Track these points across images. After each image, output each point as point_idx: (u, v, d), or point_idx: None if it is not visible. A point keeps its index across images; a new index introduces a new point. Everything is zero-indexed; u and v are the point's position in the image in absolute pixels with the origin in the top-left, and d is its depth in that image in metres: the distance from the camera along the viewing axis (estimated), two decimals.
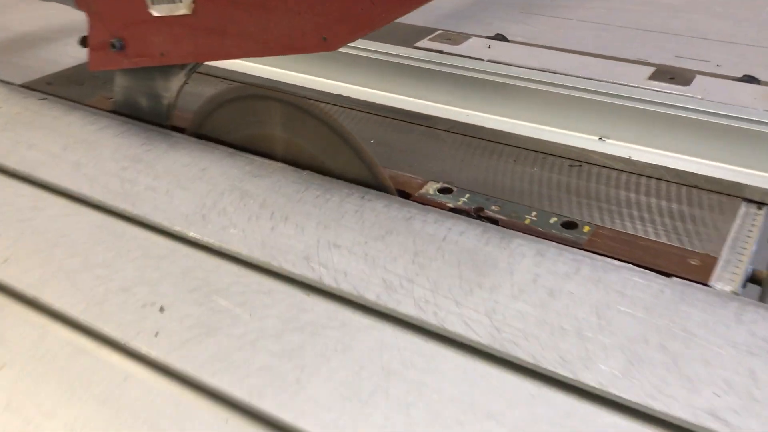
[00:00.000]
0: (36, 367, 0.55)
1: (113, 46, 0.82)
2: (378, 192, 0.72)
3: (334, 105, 0.92)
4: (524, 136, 0.82)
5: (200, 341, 0.55)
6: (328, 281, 0.60)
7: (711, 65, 1.03)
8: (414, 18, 1.16)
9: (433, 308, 0.57)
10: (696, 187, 0.74)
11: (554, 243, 0.64)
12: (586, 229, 0.68)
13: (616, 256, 0.63)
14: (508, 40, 1.06)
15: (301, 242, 0.65)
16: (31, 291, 0.61)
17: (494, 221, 0.69)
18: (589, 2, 1.34)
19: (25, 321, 0.59)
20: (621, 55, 1.03)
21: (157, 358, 0.54)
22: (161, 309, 0.58)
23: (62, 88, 1.00)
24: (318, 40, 0.68)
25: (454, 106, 0.89)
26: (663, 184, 0.75)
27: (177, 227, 0.68)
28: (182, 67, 0.82)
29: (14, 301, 0.62)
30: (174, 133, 0.85)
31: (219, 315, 0.58)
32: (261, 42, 0.72)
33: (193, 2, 0.74)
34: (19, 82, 1.01)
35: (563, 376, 0.51)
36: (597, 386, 0.50)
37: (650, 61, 1.03)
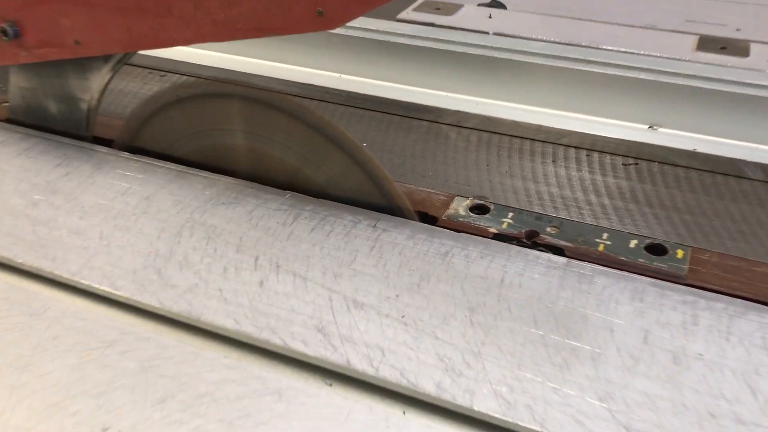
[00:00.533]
0: None
1: (4, 33, 0.60)
2: (393, 216, 0.54)
3: (305, 98, 0.72)
4: (556, 129, 0.66)
5: None
6: (360, 365, 0.42)
7: (730, 29, 0.89)
8: None
9: (523, 398, 0.40)
10: None
11: (648, 278, 0.48)
12: (680, 253, 0.51)
13: (735, 293, 0.47)
14: (505, 8, 0.88)
15: (306, 303, 0.46)
16: None
17: (558, 250, 0.52)
18: None
19: None
20: (615, 20, 0.88)
21: None
22: None
23: None
24: (311, 14, 0.48)
25: (459, 93, 0.71)
26: (746, 183, 0.59)
27: (121, 292, 0.48)
28: (106, 59, 0.61)
29: None
30: (99, 148, 0.63)
31: None
32: (224, 22, 0.51)
33: None
34: None
35: None
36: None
37: (659, 27, 0.88)
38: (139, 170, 0.60)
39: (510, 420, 0.39)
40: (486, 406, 0.39)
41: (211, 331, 0.45)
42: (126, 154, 0.62)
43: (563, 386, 0.40)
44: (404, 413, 0.40)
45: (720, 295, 0.47)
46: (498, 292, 0.47)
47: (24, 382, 0.42)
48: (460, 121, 0.68)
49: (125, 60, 0.61)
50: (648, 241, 0.52)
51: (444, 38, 0.74)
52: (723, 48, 0.74)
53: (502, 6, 0.89)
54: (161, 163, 0.61)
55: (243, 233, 0.53)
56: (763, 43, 0.77)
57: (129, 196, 0.57)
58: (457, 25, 0.78)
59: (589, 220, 0.57)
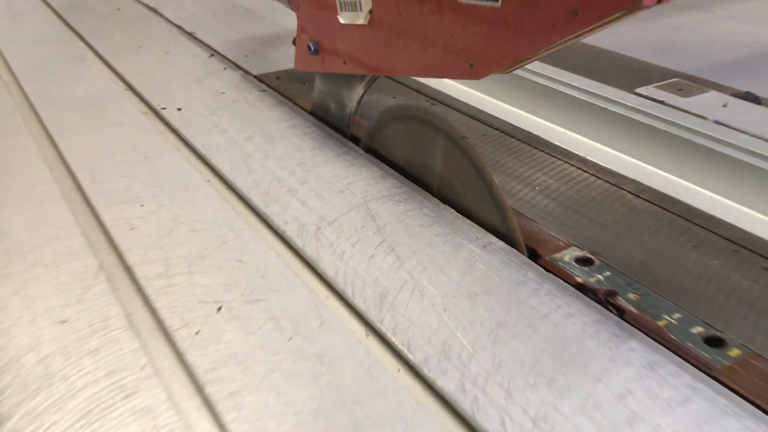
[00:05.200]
0: None
1: (309, 48, 0.84)
2: (504, 245, 0.63)
3: (522, 141, 0.83)
4: (726, 222, 0.66)
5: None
6: (387, 327, 0.54)
7: None
8: (687, 64, 1.02)
9: (477, 393, 0.48)
10: None
11: (680, 359, 0.50)
12: (735, 352, 0.51)
13: (753, 399, 0.47)
14: (759, 102, 0.86)
15: (390, 278, 0.60)
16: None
17: (621, 312, 0.56)
18: None
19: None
20: None
21: None
22: (219, 309, 0.58)
23: (286, 84, 1.06)
24: (466, 66, 0.62)
25: (657, 168, 0.75)
26: None
27: (292, 237, 0.67)
28: (362, 78, 0.81)
29: None
30: (348, 143, 0.84)
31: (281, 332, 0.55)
32: (420, 62, 0.67)
33: (369, 13, 0.72)
34: (255, 72, 1.09)
35: None
36: None
37: None
38: (359, 165, 0.79)
39: (458, 402, 0.48)
40: (447, 386, 0.49)
41: (318, 273, 0.62)
42: (362, 152, 0.82)
43: (515, 397, 0.47)
44: (396, 372, 0.52)
45: (737, 396, 0.47)
46: (533, 322, 0.54)
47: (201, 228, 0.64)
48: (641, 191, 0.72)
49: (373, 81, 0.80)
50: (713, 332, 0.53)
51: (662, 116, 0.77)
52: None
53: (757, 100, 0.85)
54: (378, 163, 0.79)
55: (389, 222, 0.68)
56: None
57: (339, 180, 0.76)
58: (684, 107, 0.80)
59: (678, 302, 0.58)
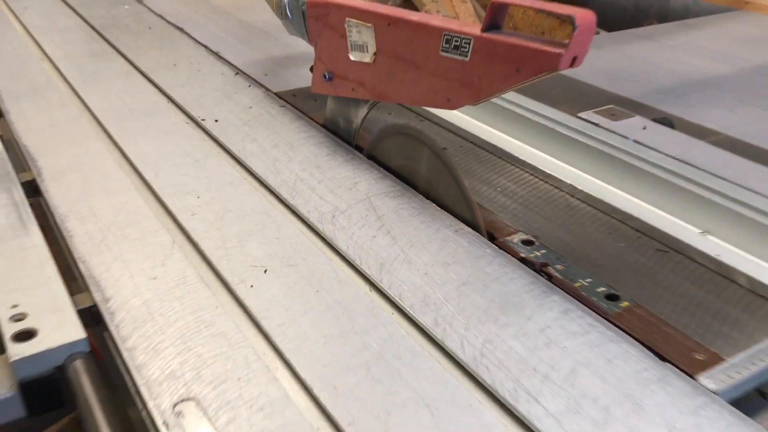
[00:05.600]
0: None
1: (324, 76, 1.07)
2: (471, 230, 0.87)
3: (486, 150, 1.08)
4: (628, 214, 0.90)
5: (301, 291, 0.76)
6: (385, 285, 0.77)
7: None
8: (628, 89, 1.26)
9: (446, 326, 0.71)
10: (760, 296, 0.76)
11: (585, 307, 0.74)
12: (625, 304, 0.75)
13: (631, 333, 0.70)
14: (673, 126, 1.10)
15: (388, 252, 0.83)
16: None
17: (549, 277, 0.80)
18: None
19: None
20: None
21: None
22: (265, 271, 0.80)
23: (301, 101, 1.28)
24: (444, 100, 0.85)
25: (588, 174, 0.98)
26: (724, 282, 0.78)
27: (314, 222, 0.90)
28: (366, 102, 1.05)
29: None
30: (354, 151, 1.07)
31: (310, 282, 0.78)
32: (412, 94, 0.91)
33: (374, 55, 0.95)
34: (275, 90, 1.32)
35: (508, 402, 0.62)
36: (526, 415, 0.60)
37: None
38: (364, 168, 1.02)
39: (433, 331, 0.71)
40: (426, 321, 0.72)
41: (334, 247, 0.85)
42: (365, 159, 1.05)
43: (471, 329, 0.71)
44: (391, 314, 0.75)
45: (619, 330, 0.70)
46: (488, 282, 0.78)
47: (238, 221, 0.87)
48: (571, 191, 0.95)
49: (374, 105, 1.04)
50: (612, 291, 0.77)
51: (596, 136, 1.01)
52: None
53: (671, 125, 1.09)
54: (377, 168, 1.02)
55: (386, 212, 0.91)
56: None
57: (347, 180, 0.99)
58: (612, 128, 1.04)
59: (592, 271, 0.82)
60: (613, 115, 1.12)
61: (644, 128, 1.08)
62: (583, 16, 0.67)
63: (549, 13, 1.09)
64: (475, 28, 0.78)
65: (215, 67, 1.43)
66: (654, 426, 0.60)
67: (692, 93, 1.31)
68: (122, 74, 1.40)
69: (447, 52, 0.82)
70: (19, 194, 0.96)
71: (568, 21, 0.68)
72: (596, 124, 1.06)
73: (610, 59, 1.49)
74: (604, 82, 1.32)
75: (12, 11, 1.81)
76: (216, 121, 1.18)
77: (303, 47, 1.57)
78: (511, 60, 0.73)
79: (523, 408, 0.61)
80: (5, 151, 1.10)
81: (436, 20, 0.84)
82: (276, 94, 1.30)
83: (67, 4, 1.90)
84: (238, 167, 1.05)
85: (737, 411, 0.62)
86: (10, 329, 0.71)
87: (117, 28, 1.68)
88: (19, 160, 1.09)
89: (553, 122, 1.05)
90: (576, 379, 0.64)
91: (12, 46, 1.55)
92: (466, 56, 0.79)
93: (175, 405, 0.62)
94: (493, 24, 0.76)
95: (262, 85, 1.34)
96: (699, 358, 0.68)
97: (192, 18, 1.82)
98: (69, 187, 0.98)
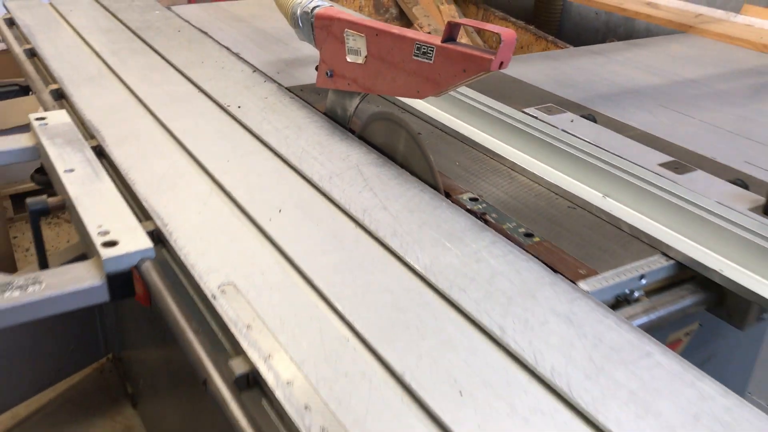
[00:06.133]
0: None
1: (327, 74, 1.37)
2: (433, 190, 1.16)
3: (451, 136, 1.38)
4: (552, 183, 1.20)
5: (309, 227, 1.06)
6: (368, 223, 1.07)
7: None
8: (571, 93, 1.56)
9: (407, 248, 1.01)
10: (638, 239, 1.06)
11: (507, 240, 1.03)
12: (536, 239, 1.05)
13: (538, 256, 1.00)
14: (595, 121, 1.40)
15: (370, 202, 1.12)
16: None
17: (486, 222, 1.10)
18: (731, 108, 1.60)
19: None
20: (696, 149, 1.33)
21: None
22: (279, 211, 1.10)
23: (307, 94, 1.58)
24: (415, 92, 1.15)
25: (526, 154, 1.29)
26: (611, 229, 1.08)
27: (316, 181, 1.20)
28: (358, 94, 1.35)
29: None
30: (348, 133, 1.37)
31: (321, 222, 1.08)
32: (392, 87, 1.21)
33: (365, 58, 1.25)
34: (286, 85, 1.62)
35: (445, 292, 0.92)
36: (456, 299, 0.90)
37: (718, 161, 1.31)
38: (356, 146, 1.32)
39: (394, 248, 1.00)
40: (391, 244, 1.01)
41: (331, 200, 1.14)
42: (356, 138, 1.35)
43: (426, 249, 1.00)
44: (368, 240, 1.04)
45: (528, 254, 1.00)
46: (440, 223, 1.07)
47: (257, 184, 1.17)
48: (513, 166, 1.26)
49: (365, 97, 1.34)
50: (529, 231, 1.07)
51: (534, 125, 1.31)
52: (676, 168, 1.17)
53: (593, 119, 1.40)
54: (365, 146, 1.31)
55: (371, 177, 1.21)
56: (708, 173, 1.16)
57: (342, 153, 1.29)
58: (547, 121, 1.34)
59: (518, 220, 1.12)
60: (549, 111, 1.42)
61: (572, 121, 1.38)
62: (507, 33, 0.98)
63: (485, 31, 1.39)
64: (437, 40, 1.08)
65: (236, 65, 1.73)
66: (540, 308, 0.89)
67: (623, 98, 1.61)
68: (160, 68, 1.70)
69: (417, 56, 1.12)
70: (90, 154, 1.26)
71: (497, 37, 0.98)
72: (535, 117, 1.36)
73: (562, 69, 1.80)
74: (553, 87, 1.63)
75: (60, 14, 2.12)
76: (239, 107, 1.48)
77: (308, 51, 1.88)
78: (460, 63, 1.04)
79: (455, 295, 0.91)
80: (74, 124, 1.39)
81: (410, 33, 1.14)
82: (287, 88, 1.60)
83: (106, 9, 2.20)
84: (256, 141, 1.34)
85: (601, 303, 0.91)
86: (99, 240, 1.00)
87: (151, 30, 1.98)
88: (85, 130, 1.39)
89: (503, 115, 1.36)
90: (493, 281, 0.94)
91: (66, 44, 1.85)
92: (431, 60, 1.09)
93: (219, 286, 0.92)
94: (449, 37, 1.07)
95: (275, 81, 1.64)
96: (581, 272, 0.98)
97: (214, 24, 2.13)
98: (128, 150, 1.28)
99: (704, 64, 1.93)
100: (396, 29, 1.18)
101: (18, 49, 1.84)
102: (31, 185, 2.66)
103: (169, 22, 2.09)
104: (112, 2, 2.27)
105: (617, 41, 2.37)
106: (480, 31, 2.58)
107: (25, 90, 3.08)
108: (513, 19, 2.94)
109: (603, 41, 2.80)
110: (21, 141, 1.37)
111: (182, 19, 2.13)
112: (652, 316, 0.96)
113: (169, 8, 2.24)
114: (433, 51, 1.08)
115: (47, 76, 1.68)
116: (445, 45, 1.06)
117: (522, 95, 1.56)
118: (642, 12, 2.31)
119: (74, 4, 2.22)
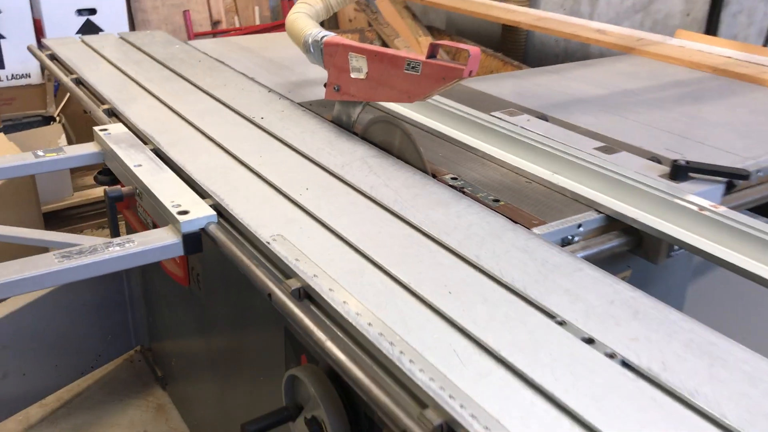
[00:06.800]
0: None
1: (335, 88, 1.72)
2: (423, 173, 1.51)
3: (434, 134, 1.74)
4: (513, 165, 1.55)
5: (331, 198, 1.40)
6: (375, 196, 1.41)
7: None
8: (530, 103, 1.93)
9: (405, 211, 1.35)
10: (577, 201, 1.41)
11: (480, 203, 1.38)
12: (502, 203, 1.40)
13: (503, 213, 1.35)
14: (546, 120, 1.76)
15: (375, 182, 1.47)
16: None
17: (464, 193, 1.44)
18: (659, 111, 1.97)
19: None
20: (626, 141, 1.69)
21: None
22: (306, 189, 1.44)
23: (316, 107, 1.93)
24: (406, 97, 1.51)
25: (491, 146, 1.64)
26: (558, 196, 1.44)
27: (331, 168, 1.54)
28: (360, 103, 1.70)
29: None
30: (353, 135, 1.72)
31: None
32: (389, 95, 1.56)
33: (366, 74, 1.61)
34: (297, 101, 1.97)
35: (433, 236, 1.26)
36: (444, 240, 1.24)
37: (644, 148, 1.67)
38: (360, 144, 1.66)
39: (396, 210, 1.34)
40: (395, 208, 1.36)
41: (346, 182, 1.48)
42: (359, 138, 1.69)
43: (422, 211, 1.34)
44: (379, 210, 1.39)
45: (495, 212, 1.35)
46: (429, 196, 1.42)
47: (289, 173, 1.51)
48: (482, 155, 1.62)
49: (366, 105, 1.69)
50: (496, 198, 1.42)
51: (496, 123, 1.67)
52: (606, 151, 1.53)
53: (545, 119, 1.76)
54: (367, 144, 1.66)
55: (374, 164, 1.55)
56: (632, 153, 1.52)
57: (348, 149, 1.63)
58: (509, 120, 1.71)
59: (487, 191, 1.47)
60: (511, 114, 1.78)
61: (528, 120, 1.74)
62: (474, 50, 1.34)
63: (458, 53, 1.76)
64: (422, 57, 1.44)
65: (254, 87, 2.08)
66: (503, 244, 1.23)
67: (572, 105, 1.98)
68: (190, 90, 2.05)
69: (408, 70, 1.47)
70: (151, 154, 1.60)
71: (467, 53, 1.34)
72: (500, 118, 1.73)
73: (523, 85, 2.18)
74: (514, 98, 2.00)
75: (94, 49, 2.46)
76: (261, 118, 1.82)
77: (311, 75, 2.24)
78: (440, 73, 1.40)
79: (443, 238, 1.25)
80: (131, 132, 1.73)
81: (402, 53, 1.50)
82: (299, 103, 1.95)
83: (132, 44, 2.55)
84: (279, 143, 1.69)
85: (549, 240, 1.26)
86: (174, 210, 1.34)
87: (175, 61, 2.33)
88: (141, 138, 1.72)
89: (475, 117, 1.72)
90: (469, 228, 1.28)
91: (107, 72, 2.19)
92: (419, 72, 1.45)
93: (270, 236, 1.25)
94: (431, 55, 1.43)
95: (288, 98, 1.99)
96: (535, 222, 1.32)
97: (229, 55, 2.48)
98: (180, 150, 1.61)
99: (642, 78, 2.31)
100: (390, 51, 1.54)
101: (66, 79, 2.17)
102: (58, 205, 3.00)
103: (189, 54, 2.44)
104: (136, 39, 2.62)
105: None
106: (454, 55, 2.97)
107: (47, 120, 3.42)
108: (484, 48, 3.33)
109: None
110: (89, 148, 1.71)
111: (200, 51, 2.48)
112: (588, 252, 1.31)
113: (186, 42, 2.59)
114: (420, 65, 1.44)
115: (96, 99, 2.01)
116: (428, 60, 1.42)
117: (489, 104, 1.92)
118: (592, 38, 2.70)
119: (104, 41, 2.57)
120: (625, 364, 0.95)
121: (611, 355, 0.96)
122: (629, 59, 2.56)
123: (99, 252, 1.23)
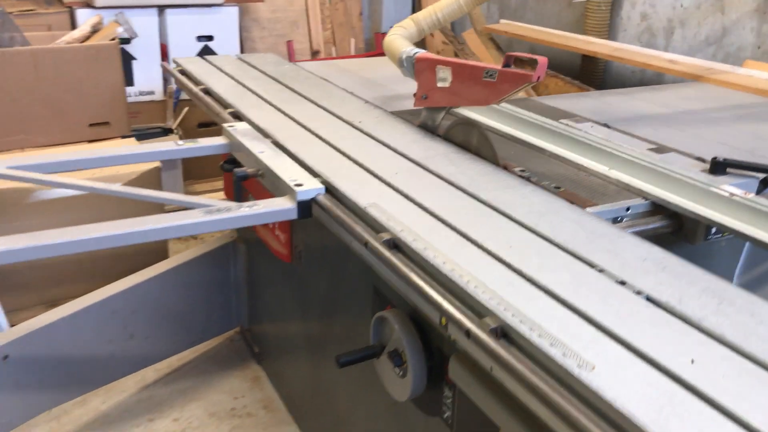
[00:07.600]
0: None
1: (423, 96, 2.02)
2: (495, 166, 1.78)
3: (504, 137, 2.01)
4: (575, 162, 1.80)
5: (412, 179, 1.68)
6: (454, 180, 1.68)
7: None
8: (596, 116, 2.18)
9: (478, 191, 1.62)
10: (628, 190, 1.64)
11: (543, 189, 1.63)
12: (562, 190, 1.65)
13: (563, 197, 1.60)
14: (609, 127, 2.00)
15: (454, 170, 1.74)
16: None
17: (530, 181, 1.70)
18: (716, 127, 2.18)
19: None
20: (678, 147, 1.91)
21: None
22: (396, 173, 1.73)
23: (406, 116, 2.24)
24: (485, 101, 1.79)
25: (552, 145, 1.90)
26: (612, 186, 1.67)
27: (418, 160, 1.82)
28: (443, 109, 1.99)
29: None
30: (436, 137, 2.01)
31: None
32: (469, 99, 1.85)
33: (450, 82, 1.90)
34: (389, 110, 2.29)
35: (479, 196, 1.52)
36: (487, 200, 1.50)
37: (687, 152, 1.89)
38: (442, 144, 1.95)
39: (465, 187, 1.62)
40: (466, 185, 1.63)
41: (432, 172, 1.77)
42: (442, 139, 1.98)
43: (485, 189, 1.61)
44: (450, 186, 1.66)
45: (557, 196, 1.60)
46: (499, 179, 1.68)
47: (391, 160, 1.81)
48: (550, 156, 1.87)
49: (449, 110, 1.98)
50: (556, 186, 1.67)
51: (562, 128, 1.92)
52: (659, 151, 1.75)
53: (607, 126, 1.99)
54: (449, 143, 1.94)
55: (453, 158, 1.83)
56: (681, 154, 1.73)
57: (433, 147, 1.92)
58: (576, 127, 1.96)
59: (550, 180, 1.72)
60: (576, 121, 2.03)
61: (591, 126, 1.99)
62: (541, 59, 1.61)
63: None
64: (498, 66, 1.72)
65: (353, 99, 2.41)
66: (560, 218, 1.48)
67: (634, 119, 2.21)
68: (299, 100, 2.39)
69: (486, 78, 1.76)
70: (270, 145, 1.93)
71: (536, 61, 1.62)
72: (566, 125, 1.98)
73: (592, 102, 2.42)
74: (582, 111, 2.25)
75: (217, 67, 2.86)
76: (360, 122, 2.14)
77: (401, 91, 2.56)
78: (513, 79, 1.67)
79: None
80: (253, 129, 2.08)
81: (480, 64, 1.79)
82: (391, 112, 2.27)
83: (248, 63, 2.94)
84: (374, 141, 1.99)
85: (599, 216, 1.50)
86: (291, 183, 1.65)
87: (286, 77, 2.70)
88: (262, 133, 2.07)
89: (543, 123, 1.98)
90: (532, 206, 1.54)
91: (230, 84, 2.58)
92: (495, 79, 1.73)
93: (368, 204, 1.54)
94: (506, 64, 1.71)
95: (382, 108, 2.30)
96: (589, 204, 1.57)
97: (331, 74, 2.84)
98: (294, 143, 1.94)
99: (705, 101, 2.51)
100: (471, 62, 1.83)
101: (195, 89, 2.57)
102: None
103: (298, 72, 2.80)
104: (251, 59, 3.01)
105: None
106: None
107: (165, 131, 3.87)
108: (562, 76, 3.58)
109: None
110: (218, 140, 2.06)
111: (306, 70, 2.84)
112: (633, 229, 1.55)
113: (295, 63, 2.96)
114: (496, 73, 1.72)
115: (222, 105, 2.38)
116: (503, 69, 1.70)
117: (558, 115, 2.18)
118: (663, 67, 2.92)
119: (224, 60, 2.98)
120: (649, 299, 1.18)
121: (638, 292, 1.19)
122: (697, 86, 2.76)
123: (233, 210, 1.56)
